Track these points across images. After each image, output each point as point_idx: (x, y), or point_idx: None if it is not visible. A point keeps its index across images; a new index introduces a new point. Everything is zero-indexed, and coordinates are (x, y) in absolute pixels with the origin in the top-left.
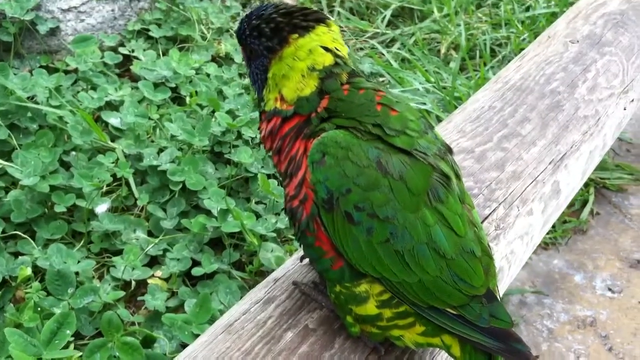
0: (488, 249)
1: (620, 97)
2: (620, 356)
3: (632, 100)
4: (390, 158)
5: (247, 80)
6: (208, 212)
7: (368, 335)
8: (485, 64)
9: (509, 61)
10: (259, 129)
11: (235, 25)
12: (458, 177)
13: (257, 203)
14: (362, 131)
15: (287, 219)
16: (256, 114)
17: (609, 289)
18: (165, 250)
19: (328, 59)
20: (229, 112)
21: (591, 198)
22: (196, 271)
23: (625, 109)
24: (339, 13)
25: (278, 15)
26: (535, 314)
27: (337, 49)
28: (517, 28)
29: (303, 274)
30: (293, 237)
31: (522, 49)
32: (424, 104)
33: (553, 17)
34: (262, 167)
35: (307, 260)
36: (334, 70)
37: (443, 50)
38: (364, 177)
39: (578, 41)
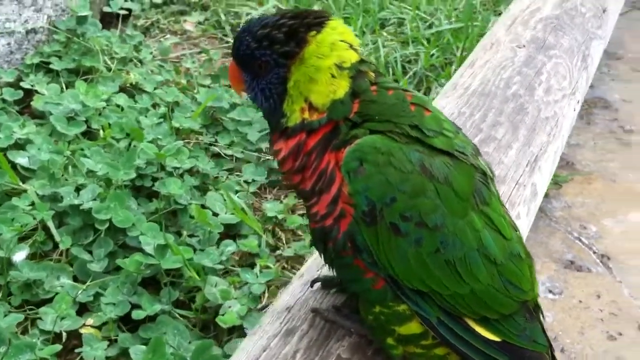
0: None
1: (570, 98)
2: (572, 357)
3: (578, 102)
4: (433, 160)
5: (162, 110)
6: (138, 250)
7: (410, 356)
8: (397, 81)
9: (421, 77)
10: (274, 150)
11: (143, 54)
12: (493, 176)
13: (190, 236)
14: (399, 134)
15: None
16: (175, 143)
17: (550, 291)
18: (96, 296)
19: (353, 56)
20: (151, 142)
21: None
22: (137, 314)
23: (574, 110)
24: None
25: (287, 19)
26: None
27: (353, 45)
28: (423, 45)
29: (318, 299)
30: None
31: (433, 65)
32: None
33: (459, 32)
34: (191, 197)
35: (318, 284)
36: (361, 68)
37: None
38: (409, 183)
39: (524, 46)
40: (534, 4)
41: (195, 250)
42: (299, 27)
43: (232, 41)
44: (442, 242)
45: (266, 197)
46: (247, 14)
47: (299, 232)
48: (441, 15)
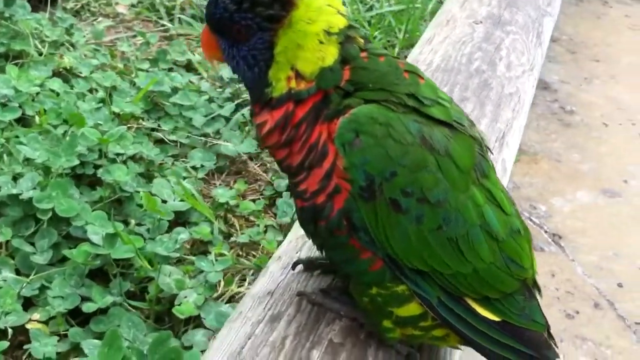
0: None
1: (529, 74)
2: None
3: (536, 78)
4: (433, 131)
5: (100, 94)
6: (83, 240)
7: (408, 339)
8: None
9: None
10: (257, 123)
11: (75, 38)
12: (489, 148)
13: (137, 225)
14: (395, 103)
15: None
16: (118, 128)
17: None
18: (41, 289)
19: (341, 21)
20: (93, 128)
21: None
22: (88, 307)
23: (533, 86)
24: (180, 20)
25: None
26: None
27: (340, 10)
28: (365, 27)
29: (302, 283)
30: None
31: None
32: None
33: (400, 14)
34: (137, 184)
35: (300, 267)
36: (350, 34)
37: None
38: (409, 156)
39: (481, 22)
40: None
41: (145, 239)
42: None
43: (168, 24)
44: (445, 218)
45: (215, 184)
46: None
47: (252, 218)
48: None
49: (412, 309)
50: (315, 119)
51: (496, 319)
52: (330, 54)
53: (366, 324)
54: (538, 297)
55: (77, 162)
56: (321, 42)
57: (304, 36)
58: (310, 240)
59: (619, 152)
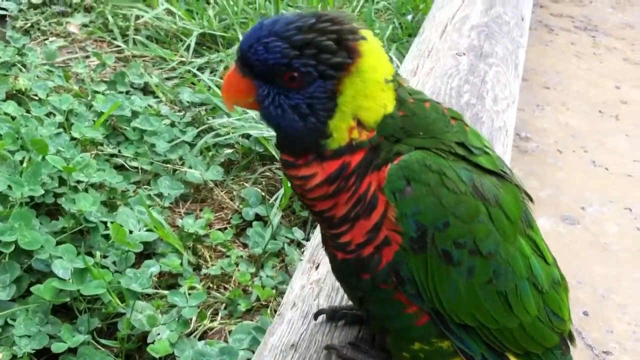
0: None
1: (511, 106)
2: None
3: (516, 109)
4: (483, 181)
5: (58, 118)
6: (46, 274)
7: None
8: None
9: None
10: (300, 175)
11: (29, 59)
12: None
13: (103, 257)
14: (445, 152)
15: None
16: (82, 156)
17: None
18: (4, 327)
19: (391, 67)
20: (55, 155)
21: None
22: (58, 347)
23: (514, 120)
24: (134, 41)
25: (326, 23)
26: None
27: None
28: None
29: (326, 334)
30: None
31: None
32: (269, 131)
33: None
34: (101, 214)
35: (322, 317)
36: (398, 79)
37: None
38: (463, 205)
39: (464, 54)
40: (460, 11)
41: (112, 272)
42: (346, 34)
43: (122, 45)
44: (495, 271)
45: (179, 212)
46: (138, 17)
47: (220, 249)
48: None
49: None
50: (366, 169)
51: None
52: (390, 101)
53: None
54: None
55: (41, 191)
56: (382, 90)
57: (371, 85)
58: (345, 292)
59: (575, 179)
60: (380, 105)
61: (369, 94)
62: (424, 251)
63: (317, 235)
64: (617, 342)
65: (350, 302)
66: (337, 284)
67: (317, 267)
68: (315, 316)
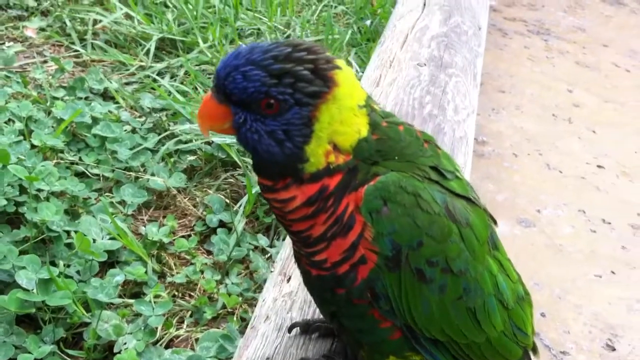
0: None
1: (471, 116)
2: None
3: (476, 115)
4: (455, 203)
5: (18, 125)
6: (8, 284)
7: None
8: None
9: None
10: (280, 199)
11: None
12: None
13: (66, 266)
14: (421, 176)
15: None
16: (44, 164)
17: None
18: None
19: (364, 92)
20: (17, 164)
21: None
22: (24, 358)
23: (473, 129)
24: (93, 45)
25: (306, 53)
26: None
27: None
28: None
29: (300, 347)
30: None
31: None
32: (231, 137)
33: (319, 44)
34: (65, 224)
35: (296, 330)
36: (371, 104)
37: None
38: (436, 226)
39: (425, 64)
40: (420, 20)
41: (76, 282)
42: (322, 64)
43: (81, 50)
44: (465, 288)
45: (142, 219)
46: (96, 21)
47: (184, 256)
48: (297, 27)
49: None
50: (343, 191)
51: None
52: (363, 126)
53: None
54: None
55: (4, 201)
56: (355, 116)
57: (346, 111)
58: (318, 306)
59: (530, 182)
60: (355, 130)
61: (344, 120)
62: (398, 269)
63: (286, 247)
64: (573, 342)
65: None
66: (310, 297)
67: (288, 280)
68: (290, 329)
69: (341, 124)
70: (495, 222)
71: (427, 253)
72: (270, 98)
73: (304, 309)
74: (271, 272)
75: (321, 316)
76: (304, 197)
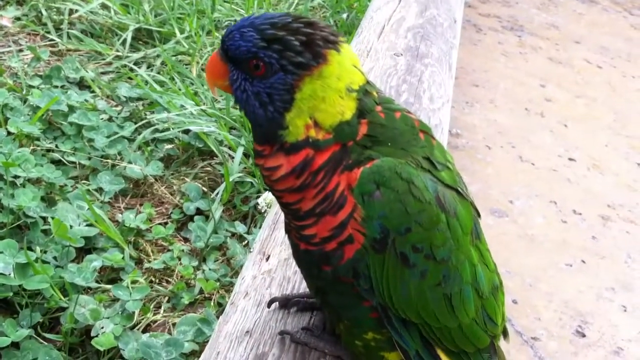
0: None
1: (447, 105)
2: None
3: (451, 108)
4: (446, 193)
5: None
6: None
7: None
8: None
9: None
10: (267, 166)
11: None
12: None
13: (43, 252)
14: (414, 163)
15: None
16: (20, 150)
17: None
18: None
19: (361, 78)
20: None
21: None
22: (1, 341)
23: (448, 117)
24: (69, 35)
25: (301, 24)
26: None
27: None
28: None
29: (279, 320)
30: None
31: None
32: (209, 127)
33: None
34: (42, 210)
35: (275, 305)
36: (368, 89)
37: (195, 72)
38: (426, 214)
39: (402, 54)
40: (397, 12)
41: (54, 267)
42: (317, 40)
43: (57, 39)
44: (445, 275)
45: (119, 207)
46: (73, 11)
47: (162, 243)
48: None
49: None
50: (334, 168)
51: None
52: (349, 109)
53: None
54: (504, 342)
55: None
56: (341, 98)
57: (330, 91)
58: (305, 279)
59: (503, 174)
60: (338, 112)
61: (326, 98)
62: (383, 251)
63: (265, 228)
64: (544, 329)
65: (301, 291)
66: (289, 274)
67: (267, 259)
68: (269, 304)
69: (323, 101)
70: (479, 215)
71: (413, 239)
72: (257, 59)
73: (283, 285)
74: (250, 252)
75: (300, 291)
76: (289, 167)
